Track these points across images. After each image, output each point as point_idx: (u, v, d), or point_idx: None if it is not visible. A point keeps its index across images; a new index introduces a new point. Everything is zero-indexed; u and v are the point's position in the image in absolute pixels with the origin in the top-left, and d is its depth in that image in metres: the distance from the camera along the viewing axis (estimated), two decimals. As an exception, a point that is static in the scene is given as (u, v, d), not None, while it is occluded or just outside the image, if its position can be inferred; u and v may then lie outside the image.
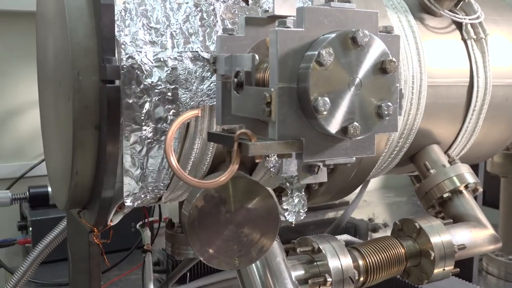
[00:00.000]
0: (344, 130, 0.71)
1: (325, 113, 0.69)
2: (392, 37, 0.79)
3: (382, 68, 0.73)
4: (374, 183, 2.98)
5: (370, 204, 2.69)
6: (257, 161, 0.69)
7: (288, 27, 0.71)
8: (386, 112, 0.73)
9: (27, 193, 1.97)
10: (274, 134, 0.70)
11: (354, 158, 0.76)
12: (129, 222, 1.90)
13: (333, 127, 0.71)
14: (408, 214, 2.40)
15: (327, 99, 0.69)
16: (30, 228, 1.87)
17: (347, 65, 0.71)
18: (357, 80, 0.72)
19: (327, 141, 0.73)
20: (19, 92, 2.21)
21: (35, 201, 1.98)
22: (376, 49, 0.73)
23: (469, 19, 1.31)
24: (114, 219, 1.04)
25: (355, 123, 0.71)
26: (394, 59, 0.74)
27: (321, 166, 0.78)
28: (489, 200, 2.42)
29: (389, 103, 0.74)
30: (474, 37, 1.32)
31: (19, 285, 1.34)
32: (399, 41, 0.80)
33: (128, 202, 0.96)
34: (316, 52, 0.69)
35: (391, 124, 0.78)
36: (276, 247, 1.01)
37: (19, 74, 2.21)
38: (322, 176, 0.80)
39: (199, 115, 0.69)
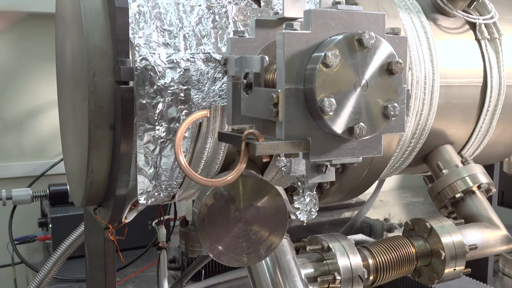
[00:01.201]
0: (350, 131, 0.72)
1: (331, 113, 0.70)
2: (399, 38, 0.80)
3: (389, 69, 0.74)
4: (391, 183, 2.97)
5: (387, 204, 2.68)
6: (264, 160, 0.71)
7: (295, 29, 0.73)
8: (392, 113, 0.74)
9: (47, 191, 2.02)
10: (281, 134, 0.72)
11: (361, 158, 0.78)
12: (146, 220, 1.93)
13: (339, 127, 0.72)
14: (425, 214, 2.38)
15: (333, 100, 0.70)
16: (50, 225, 1.91)
17: (353, 66, 0.73)
18: (363, 81, 0.73)
19: (333, 141, 0.75)
20: (40, 92, 2.26)
21: (55, 199, 2.02)
22: (382, 51, 0.74)
23: (483, 19, 1.31)
24: (128, 216, 1.07)
25: (361, 123, 0.73)
26: (400, 61, 0.75)
27: (328, 166, 0.79)
28: (507, 201, 2.41)
29: (396, 104, 0.75)
30: (488, 37, 1.31)
31: (43, 284, 1.38)
32: (406, 42, 0.80)
33: (142, 200, 0.99)
34: (323, 54, 0.71)
35: (398, 124, 0.78)
36: (286, 245, 1.03)
37: (40, 74, 2.25)
38: (330, 175, 0.81)
39: (208, 115, 0.71)
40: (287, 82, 0.72)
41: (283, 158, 1.06)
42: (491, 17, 1.32)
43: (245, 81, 0.81)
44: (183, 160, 0.66)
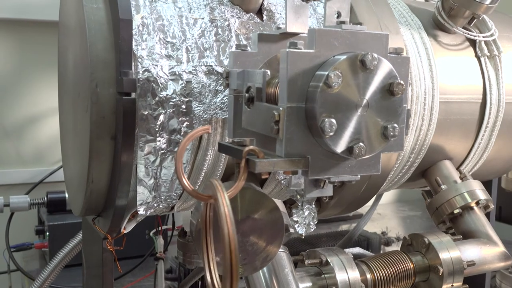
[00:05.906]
0: (349, 150, 0.73)
1: (331, 133, 0.71)
2: (401, 58, 0.80)
3: (390, 90, 0.75)
4: (388, 196, 2.97)
5: (384, 217, 2.68)
6: (263, 177, 0.71)
7: (299, 48, 0.73)
8: (391, 134, 0.75)
9: (45, 198, 2.01)
10: (281, 152, 0.72)
11: (359, 176, 0.78)
12: (144, 230, 1.93)
13: (339, 147, 0.72)
14: (422, 229, 2.39)
15: (333, 120, 0.71)
16: (47, 233, 1.90)
17: (355, 87, 0.73)
18: (365, 101, 0.74)
19: (332, 159, 0.75)
20: (40, 99, 2.26)
21: (52, 206, 2.01)
22: (384, 72, 0.75)
23: (483, 36, 1.31)
24: (127, 227, 1.07)
25: (360, 143, 0.73)
26: (402, 82, 0.75)
27: (326, 181, 0.80)
28: (505, 216, 2.41)
29: (395, 125, 0.75)
30: (488, 54, 1.32)
31: None
32: (408, 62, 0.81)
33: (141, 211, 0.99)
34: (325, 74, 0.71)
35: (397, 143, 0.79)
36: (284, 258, 1.03)
37: (40, 81, 2.25)
38: (328, 190, 0.82)
39: (210, 131, 0.71)
40: (289, 100, 0.72)
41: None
42: (491, 35, 1.33)
43: (247, 95, 0.82)
44: (185, 180, 0.66)
